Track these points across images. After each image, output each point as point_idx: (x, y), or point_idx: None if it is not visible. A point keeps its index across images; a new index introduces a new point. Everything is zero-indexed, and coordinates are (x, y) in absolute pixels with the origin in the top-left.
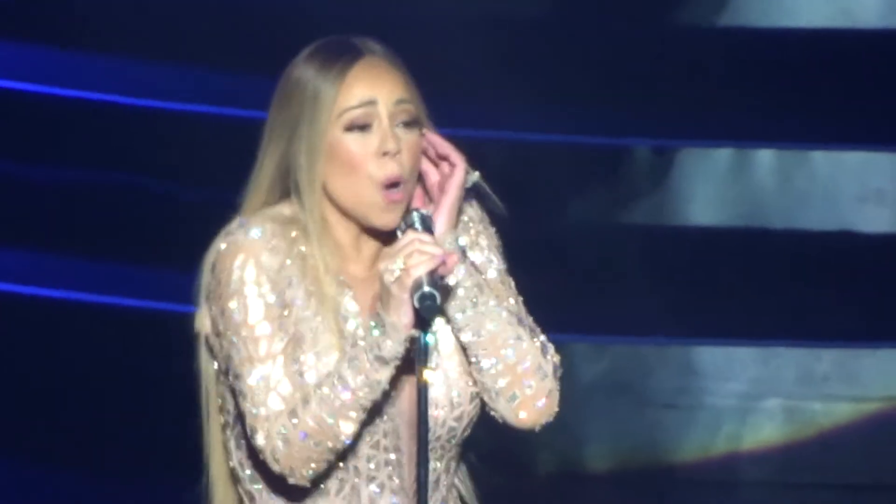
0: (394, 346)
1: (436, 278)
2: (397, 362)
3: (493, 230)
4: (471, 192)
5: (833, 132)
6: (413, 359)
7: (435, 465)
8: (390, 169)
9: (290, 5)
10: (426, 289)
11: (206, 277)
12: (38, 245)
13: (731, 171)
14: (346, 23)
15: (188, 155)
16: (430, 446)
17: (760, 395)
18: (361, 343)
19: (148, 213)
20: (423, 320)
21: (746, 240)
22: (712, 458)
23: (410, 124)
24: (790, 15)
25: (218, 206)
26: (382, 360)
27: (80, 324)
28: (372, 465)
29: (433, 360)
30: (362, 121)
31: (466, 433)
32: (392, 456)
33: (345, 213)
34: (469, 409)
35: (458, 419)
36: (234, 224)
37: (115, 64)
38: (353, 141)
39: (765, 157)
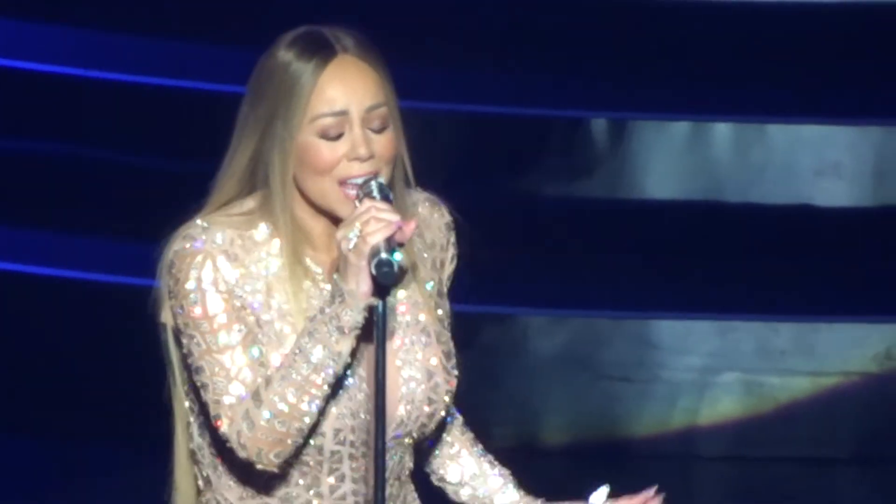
0: (353, 315)
1: (393, 245)
2: (357, 332)
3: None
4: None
5: (790, 105)
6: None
7: (403, 458)
8: (357, 170)
9: None
10: (383, 255)
11: (163, 277)
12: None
13: (687, 145)
14: None
15: (152, 127)
16: (398, 440)
17: (718, 369)
18: (320, 315)
19: (108, 185)
20: (381, 288)
21: (703, 213)
22: (669, 432)
23: (382, 129)
24: None
25: (179, 176)
26: (342, 330)
27: (38, 296)
28: (335, 458)
29: (414, 351)
30: (335, 131)
31: (435, 428)
32: (356, 448)
33: (314, 207)
34: (442, 407)
35: (431, 416)
36: (195, 227)
37: (74, 35)
38: (323, 146)
39: (722, 131)
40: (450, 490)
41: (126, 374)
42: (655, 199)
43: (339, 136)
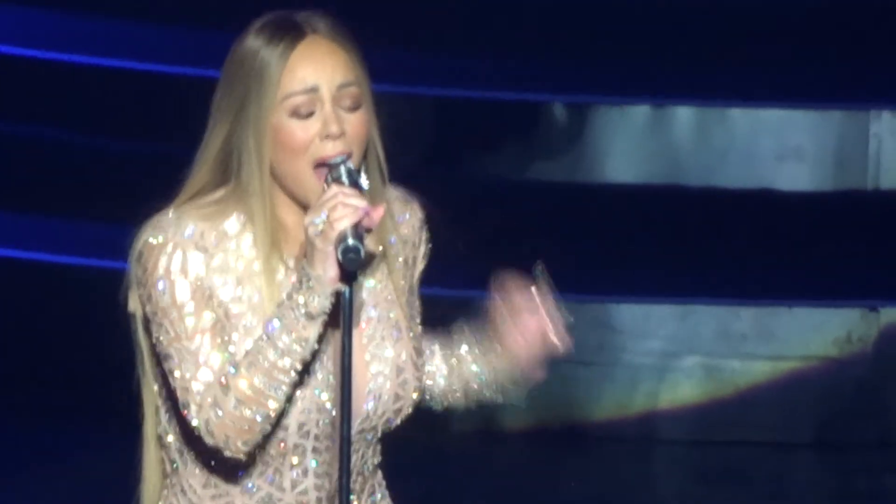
0: (320, 301)
1: (360, 231)
2: (324, 317)
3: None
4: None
5: (752, 89)
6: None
7: (366, 452)
8: (331, 148)
9: None
10: (350, 241)
11: (133, 266)
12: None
13: (648, 128)
14: None
15: (124, 109)
16: (363, 434)
17: (678, 353)
18: (287, 301)
19: (75, 167)
20: (347, 274)
21: (664, 197)
22: (630, 416)
23: (354, 108)
24: None
25: (148, 159)
26: (309, 316)
27: (13, 279)
28: (298, 451)
29: (384, 346)
30: (306, 109)
31: (401, 423)
32: (320, 442)
33: (289, 193)
34: (409, 403)
35: (398, 411)
36: (165, 219)
37: (55, 19)
38: (295, 126)
39: (683, 114)
40: (439, 395)
41: (103, 355)
42: (616, 182)
43: (310, 115)
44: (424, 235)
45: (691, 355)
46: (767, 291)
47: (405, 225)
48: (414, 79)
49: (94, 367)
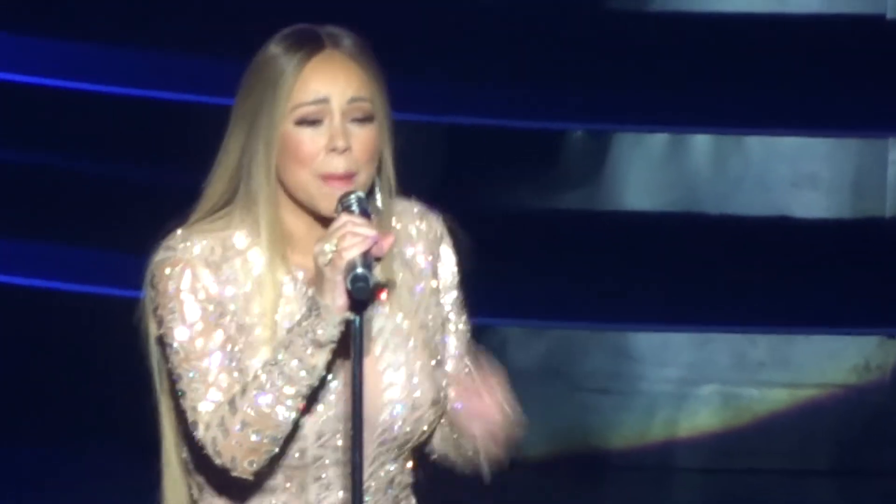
0: (328, 330)
1: (369, 260)
2: (333, 346)
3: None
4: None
5: (767, 117)
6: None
7: (389, 468)
8: (335, 165)
9: None
10: (359, 270)
11: (146, 288)
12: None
13: (665, 156)
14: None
15: (141, 138)
16: (385, 447)
17: (696, 381)
18: (297, 327)
19: (93, 196)
20: (357, 303)
21: (681, 225)
22: (647, 444)
23: (364, 120)
24: (726, 1)
25: (168, 187)
26: (317, 344)
27: (21, 307)
28: (319, 463)
29: (397, 357)
30: (313, 117)
31: (425, 437)
32: (343, 454)
33: (296, 202)
34: (429, 413)
35: (418, 421)
36: (174, 238)
37: (48, 45)
38: (303, 135)
39: (700, 142)
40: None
41: (117, 380)
42: (634, 210)
43: (317, 124)
44: (447, 243)
45: (708, 383)
46: (784, 319)
47: (429, 235)
48: (430, 107)
49: (105, 392)
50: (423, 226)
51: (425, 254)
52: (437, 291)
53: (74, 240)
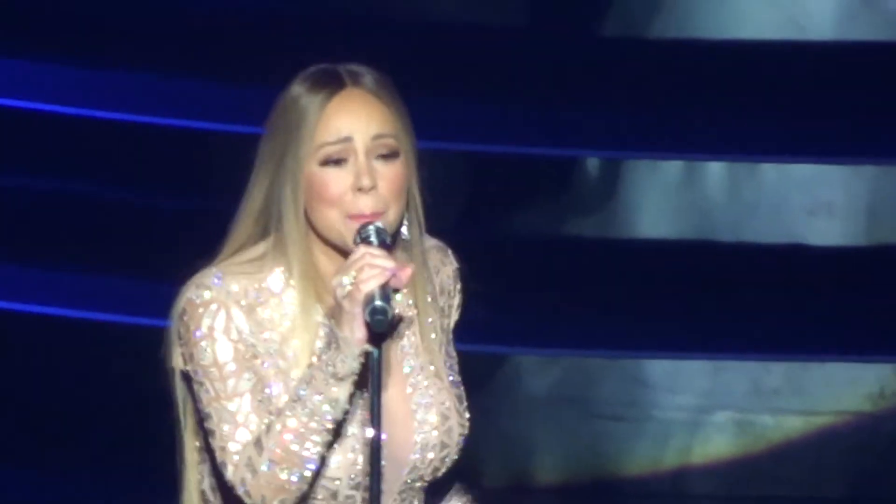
0: (347, 362)
1: (387, 292)
2: (353, 378)
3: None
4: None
5: (782, 144)
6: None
7: (413, 502)
8: (363, 204)
9: (266, 13)
10: (377, 303)
11: (175, 323)
12: (11, 257)
13: (680, 184)
14: (295, 24)
15: (165, 167)
16: (412, 484)
17: (710, 409)
18: (317, 362)
19: (118, 224)
20: (375, 335)
21: (696, 252)
22: (661, 472)
23: (389, 157)
24: (740, 26)
25: (188, 216)
26: (337, 377)
27: (50, 337)
28: (349, 501)
29: (428, 396)
30: (337, 156)
31: (447, 470)
32: (367, 492)
33: (327, 242)
34: (455, 451)
35: (444, 459)
36: (209, 276)
37: (74, 74)
38: (328, 175)
39: (714, 170)
40: None
41: (133, 412)
42: (648, 237)
43: (342, 163)
44: (459, 286)
45: (723, 410)
46: (799, 346)
47: (441, 274)
48: (445, 133)
49: (132, 423)
50: (443, 264)
51: (444, 293)
52: (448, 329)
53: (93, 267)
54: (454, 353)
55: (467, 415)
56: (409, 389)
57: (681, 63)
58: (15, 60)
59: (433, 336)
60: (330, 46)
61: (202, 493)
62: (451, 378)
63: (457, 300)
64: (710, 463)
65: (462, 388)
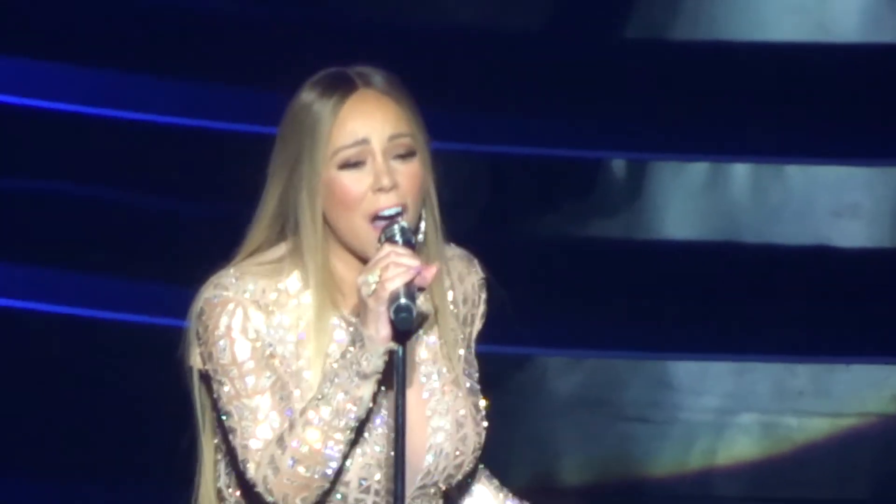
0: (372, 360)
1: (412, 290)
2: (378, 376)
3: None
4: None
5: (808, 146)
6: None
7: None
8: (383, 201)
9: (275, 17)
10: (402, 301)
11: (193, 323)
12: (24, 258)
13: (705, 185)
14: (315, 29)
15: (182, 169)
16: (424, 490)
17: (735, 410)
18: (342, 360)
19: (135, 227)
20: (400, 333)
21: (721, 254)
22: (686, 473)
23: (406, 156)
24: (766, 29)
25: (206, 220)
26: (362, 375)
27: (65, 337)
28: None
29: (444, 402)
30: (355, 159)
31: (463, 478)
32: (381, 498)
33: (347, 248)
34: (470, 458)
35: (459, 467)
36: (227, 276)
37: (95, 76)
38: (347, 178)
39: (740, 171)
40: None
41: (146, 413)
42: (673, 239)
43: (360, 165)
44: (483, 296)
45: (748, 412)
46: (824, 348)
47: (466, 283)
48: (471, 137)
49: (135, 422)
50: (468, 273)
51: (465, 302)
52: (469, 338)
53: (107, 269)
54: (475, 362)
55: (485, 424)
56: (426, 395)
57: (707, 65)
58: (30, 61)
59: (453, 342)
60: (349, 53)
61: (218, 490)
62: (468, 385)
63: (481, 309)
64: (735, 465)
65: (480, 396)
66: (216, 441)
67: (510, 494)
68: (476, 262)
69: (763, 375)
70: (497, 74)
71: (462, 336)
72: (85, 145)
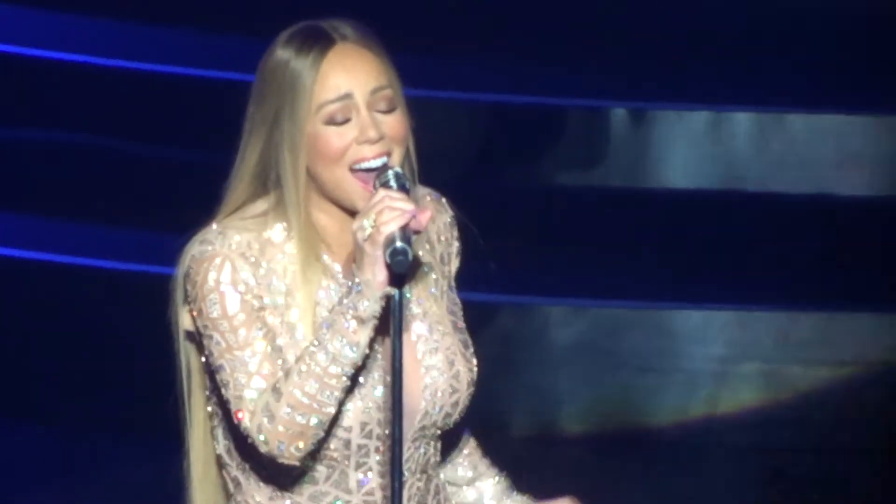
0: (370, 305)
1: (408, 234)
2: (374, 321)
3: (456, 242)
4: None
5: (810, 95)
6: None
7: (428, 449)
8: (367, 150)
9: None
10: (398, 244)
11: (180, 280)
12: (28, 208)
13: (707, 134)
14: None
15: (177, 117)
16: (424, 431)
17: (738, 359)
18: (338, 306)
19: (126, 175)
20: (396, 277)
21: (723, 203)
22: (689, 421)
23: (389, 108)
24: None
25: (184, 167)
26: (360, 320)
27: (67, 285)
28: (362, 452)
29: (433, 342)
30: (341, 115)
31: (460, 417)
32: (382, 442)
33: (332, 200)
34: (465, 395)
35: (455, 405)
36: (211, 232)
37: (98, 25)
38: (332, 133)
39: (742, 121)
40: (454, 489)
41: (142, 365)
42: (675, 188)
43: (346, 121)
44: (455, 233)
45: (751, 361)
46: (827, 297)
47: (438, 222)
48: (470, 85)
49: (139, 377)
50: (438, 213)
51: (440, 241)
52: (449, 277)
53: (99, 217)
54: (457, 300)
55: (474, 360)
56: (414, 337)
57: (709, 15)
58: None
59: (434, 281)
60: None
61: (218, 457)
62: (454, 322)
63: (455, 247)
64: (738, 413)
65: (467, 333)
66: (210, 409)
67: (491, 464)
68: (445, 201)
69: (765, 324)
70: (497, 22)
71: (442, 274)
72: (63, 93)
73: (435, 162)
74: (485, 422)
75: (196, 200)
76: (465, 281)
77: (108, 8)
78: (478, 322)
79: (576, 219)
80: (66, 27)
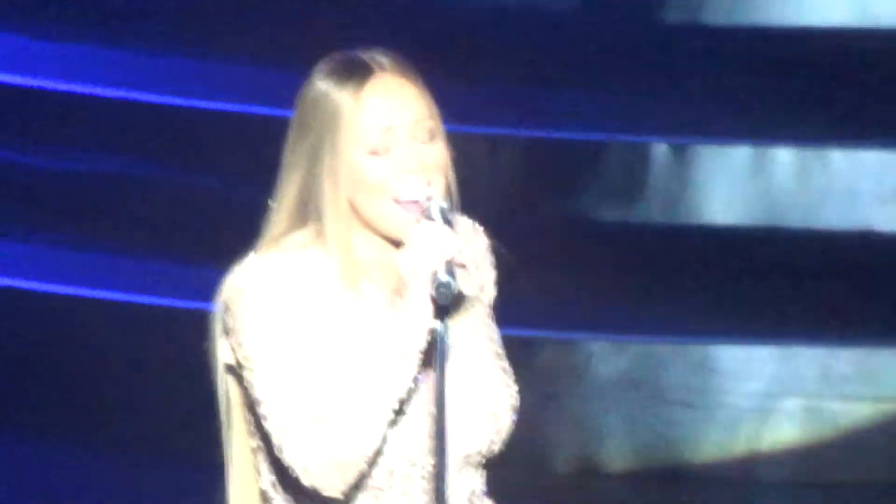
0: (415, 338)
1: (452, 267)
2: (419, 355)
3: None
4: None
5: (852, 131)
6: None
7: (469, 478)
8: (412, 184)
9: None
10: (443, 278)
11: (220, 312)
12: (58, 239)
13: (749, 170)
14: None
15: (224, 152)
16: (468, 459)
17: (779, 395)
18: (383, 340)
19: (151, 205)
20: (440, 309)
21: (765, 239)
22: (731, 458)
23: (430, 139)
24: (809, 13)
25: (222, 199)
26: (404, 353)
27: (94, 319)
28: (407, 481)
29: (474, 370)
30: (383, 146)
31: (503, 445)
32: (425, 469)
33: (372, 230)
34: (507, 423)
35: (498, 432)
36: (250, 263)
37: (131, 57)
38: (374, 164)
39: (783, 156)
40: None
41: (177, 396)
42: (717, 224)
43: (387, 152)
44: (492, 259)
45: (792, 397)
46: (869, 333)
47: (474, 251)
48: (512, 120)
49: (174, 406)
50: (477, 239)
51: (477, 269)
52: (487, 303)
53: (122, 249)
54: (495, 328)
55: (515, 387)
56: (456, 366)
57: (751, 49)
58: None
59: (472, 310)
60: (394, 33)
61: (263, 491)
62: (493, 349)
63: (493, 275)
64: (780, 450)
65: (506, 360)
66: (254, 444)
67: None
68: (480, 229)
69: (807, 360)
70: (537, 56)
71: (480, 302)
72: (86, 123)
73: (477, 196)
74: (526, 458)
75: (234, 233)
76: (507, 316)
77: (133, 38)
78: (520, 358)
79: (617, 254)
80: (101, 61)
